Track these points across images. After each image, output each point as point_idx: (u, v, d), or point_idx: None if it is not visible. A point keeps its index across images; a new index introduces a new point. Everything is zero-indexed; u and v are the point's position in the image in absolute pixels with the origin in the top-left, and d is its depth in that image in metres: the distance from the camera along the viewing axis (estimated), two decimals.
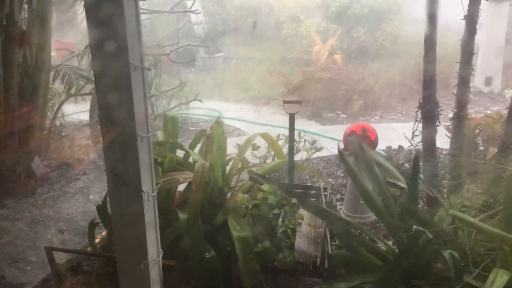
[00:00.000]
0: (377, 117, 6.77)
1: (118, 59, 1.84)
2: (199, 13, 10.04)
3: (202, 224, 2.95)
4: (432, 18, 3.39)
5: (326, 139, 5.89)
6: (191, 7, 5.40)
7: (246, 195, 3.12)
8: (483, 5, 4.30)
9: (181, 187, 3.17)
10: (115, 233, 2.21)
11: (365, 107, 6.95)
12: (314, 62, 8.79)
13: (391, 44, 9.37)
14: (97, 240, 3.30)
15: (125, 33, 1.80)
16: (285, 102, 3.97)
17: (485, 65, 7.15)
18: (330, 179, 4.69)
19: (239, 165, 3.28)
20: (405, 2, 9.94)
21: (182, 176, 2.99)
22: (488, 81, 7.05)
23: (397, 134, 5.66)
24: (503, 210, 2.72)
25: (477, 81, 7.32)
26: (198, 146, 3.41)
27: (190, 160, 3.30)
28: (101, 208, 3.04)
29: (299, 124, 6.29)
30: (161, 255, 2.24)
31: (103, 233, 3.45)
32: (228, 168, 3.29)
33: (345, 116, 6.76)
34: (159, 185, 2.72)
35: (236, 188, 3.22)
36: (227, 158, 3.28)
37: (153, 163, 2.10)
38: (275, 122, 6.55)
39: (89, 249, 3.18)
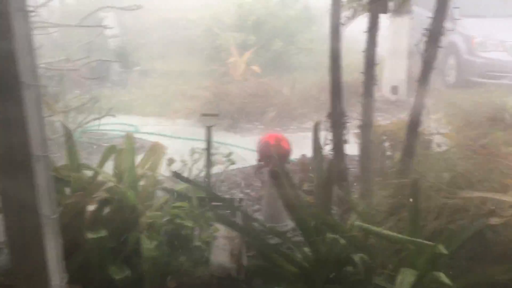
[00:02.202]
0: (294, 127, 6.95)
1: (7, 76, 1.73)
2: (112, 28, 9.78)
3: (120, 244, 2.85)
4: (335, 30, 3.55)
5: (245, 150, 5.93)
6: (102, 20, 5.25)
7: (160, 212, 3.05)
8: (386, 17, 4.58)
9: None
10: (14, 261, 2.06)
11: (282, 117, 7.12)
12: (231, 75, 8.89)
13: (305, 57, 9.69)
14: None
15: (14, 49, 1.70)
16: (202, 115, 3.99)
17: (391, 75, 7.60)
18: (248, 190, 4.73)
19: (152, 182, 3.21)
20: (318, 15, 10.33)
21: (90, 195, 2.87)
22: (394, 90, 7.49)
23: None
24: (408, 212, 2.88)
25: (384, 90, 7.74)
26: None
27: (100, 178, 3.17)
28: None
29: (218, 136, 6.29)
30: (65, 281, 2.13)
31: None
32: (141, 184, 3.21)
33: (263, 126, 6.87)
34: (61, 208, 2.59)
35: (149, 205, 3.14)
36: (140, 174, 3.20)
37: (53, 183, 2.00)
38: (194, 135, 6.50)
39: None
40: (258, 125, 6.96)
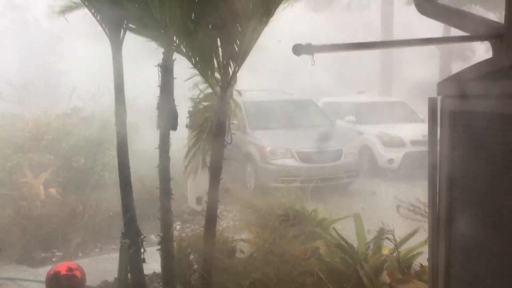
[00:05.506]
0: (97, 250, 6.51)
1: None
2: None
3: None
4: (122, 156, 3.54)
5: (39, 283, 5.26)
6: None
7: None
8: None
9: None
10: None
11: (85, 240, 6.62)
12: (26, 199, 8.08)
13: (109, 173, 9.42)
14: None
15: None
16: None
17: (195, 186, 7.82)
18: None
19: None
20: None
21: None
22: (199, 201, 7.68)
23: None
24: None
25: (190, 201, 7.89)
26: None
27: None
28: None
29: (6, 270, 5.54)
30: None
31: None
32: None
33: (62, 253, 6.25)
34: None
35: None
36: None
37: None
38: None
39: None
40: (56, 252, 6.32)
